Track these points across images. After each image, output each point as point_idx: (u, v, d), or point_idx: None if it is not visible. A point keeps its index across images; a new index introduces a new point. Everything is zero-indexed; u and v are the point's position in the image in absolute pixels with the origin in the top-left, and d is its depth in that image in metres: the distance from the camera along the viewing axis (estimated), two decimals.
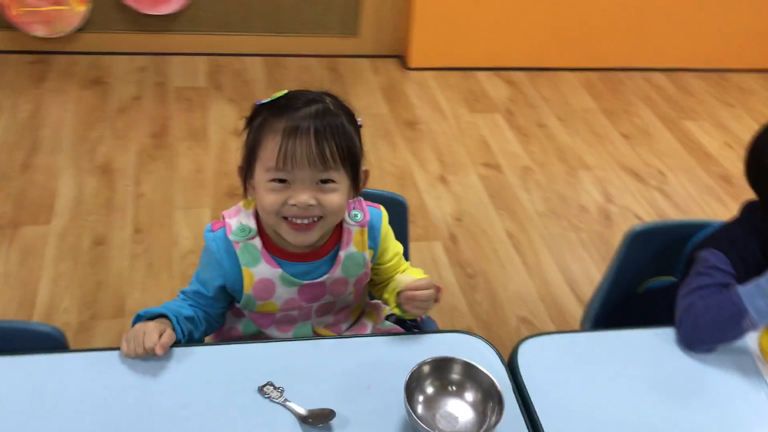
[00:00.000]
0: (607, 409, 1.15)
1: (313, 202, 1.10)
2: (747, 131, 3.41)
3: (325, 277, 1.21)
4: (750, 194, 1.43)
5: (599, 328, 1.67)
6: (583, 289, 2.38)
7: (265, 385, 1.10)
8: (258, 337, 1.31)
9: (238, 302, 1.24)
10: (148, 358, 1.10)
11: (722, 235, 1.40)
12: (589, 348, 1.27)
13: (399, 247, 1.33)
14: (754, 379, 1.24)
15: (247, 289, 1.20)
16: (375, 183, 2.64)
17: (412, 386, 1.07)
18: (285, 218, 1.13)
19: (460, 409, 1.08)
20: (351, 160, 1.13)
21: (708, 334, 1.26)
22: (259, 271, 1.19)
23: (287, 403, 1.07)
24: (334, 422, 1.04)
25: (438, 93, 3.41)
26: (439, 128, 3.14)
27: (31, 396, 1.05)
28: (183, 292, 1.27)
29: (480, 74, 3.61)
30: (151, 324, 1.12)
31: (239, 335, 1.33)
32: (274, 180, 1.10)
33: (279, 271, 1.19)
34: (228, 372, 1.12)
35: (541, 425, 1.09)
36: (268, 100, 1.13)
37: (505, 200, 2.74)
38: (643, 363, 1.25)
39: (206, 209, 2.49)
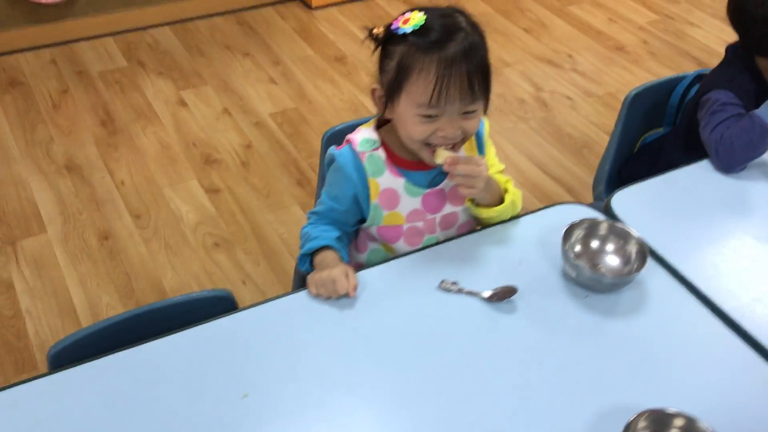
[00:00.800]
0: (697, 231, 1.42)
1: (459, 132, 1.22)
2: (620, 4, 3.81)
3: (444, 182, 1.36)
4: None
5: (612, 189, 1.95)
6: (550, 167, 2.66)
7: (441, 283, 1.25)
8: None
9: (365, 218, 1.35)
10: None
11: (720, 78, 1.68)
12: (652, 192, 1.53)
13: (500, 165, 1.43)
14: None
15: (374, 198, 1.31)
16: (333, 120, 2.75)
17: (566, 247, 1.26)
18: (427, 144, 1.24)
19: (608, 260, 1.30)
20: (489, 85, 1.23)
21: (743, 155, 1.54)
22: (384, 181, 1.30)
23: (467, 291, 1.24)
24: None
25: (350, 25, 3.50)
26: (366, 58, 3.25)
27: (264, 342, 1.15)
28: (315, 213, 1.36)
29: (379, 0, 3.73)
30: (336, 270, 1.21)
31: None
32: (426, 115, 1.19)
33: (402, 180, 1.31)
34: (402, 283, 1.26)
35: (662, 256, 1.33)
36: (410, 27, 1.16)
37: None
38: (700, 192, 1.52)
39: (192, 181, 2.50)
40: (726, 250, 1.39)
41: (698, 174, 1.57)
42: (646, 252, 1.25)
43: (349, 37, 3.41)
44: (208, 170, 2.55)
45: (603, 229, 1.31)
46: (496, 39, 3.44)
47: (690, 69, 3.29)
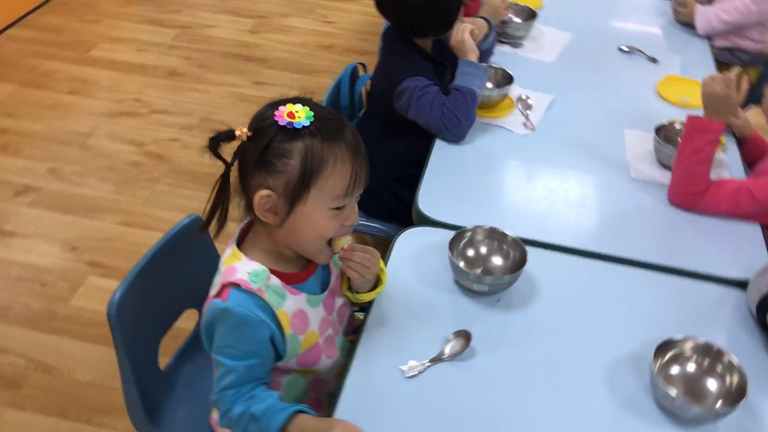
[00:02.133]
0: (498, 197, 1.61)
1: (357, 217, 1.15)
2: (134, 32, 3.69)
3: (333, 278, 1.25)
4: None
5: None
6: None
7: (404, 372, 1.18)
8: (305, 395, 1.28)
9: (282, 355, 1.18)
10: None
11: (401, 68, 1.82)
12: (434, 187, 1.63)
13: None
14: (496, 128, 1.83)
15: (288, 329, 1.15)
16: None
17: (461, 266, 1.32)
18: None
19: (494, 261, 1.39)
20: None
21: (467, 122, 1.75)
22: (290, 306, 1.15)
23: (430, 361, 1.19)
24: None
25: None
26: None
27: None
28: (229, 387, 1.13)
29: None
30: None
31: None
32: (337, 207, 1.09)
33: (303, 296, 1.18)
34: (376, 397, 1.15)
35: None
36: (306, 120, 1.04)
37: (73, 205, 2.56)
38: (462, 166, 1.70)
39: None
40: (535, 199, 1.61)
41: (446, 155, 1.73)
42: (519, 243, 1.37)
43: None
44: None
45: (479, 234, 1.39)
46: (54, 115, 3.03)
47: (244, 66, 3.46)
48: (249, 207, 1.13)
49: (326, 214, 1.10)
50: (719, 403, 1.13)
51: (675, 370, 1.18)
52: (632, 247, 1.48)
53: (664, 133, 1.75)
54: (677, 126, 1.76)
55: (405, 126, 1.83)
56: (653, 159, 1.73)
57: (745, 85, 1.52)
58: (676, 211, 1.58)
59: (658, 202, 1.61)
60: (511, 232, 1.39)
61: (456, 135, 1.76)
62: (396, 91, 1.80)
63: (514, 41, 2.23)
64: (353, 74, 2.07)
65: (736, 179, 1.59)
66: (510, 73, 1.92)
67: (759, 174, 1.57)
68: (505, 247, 1.38)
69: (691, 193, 1.55)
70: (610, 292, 1.38)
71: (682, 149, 1.58)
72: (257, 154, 1.06)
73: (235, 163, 1.10)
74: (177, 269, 1.46)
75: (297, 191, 1.07)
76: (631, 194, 1.63)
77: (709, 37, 2.36)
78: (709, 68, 2.19)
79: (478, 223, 1.41)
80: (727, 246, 1.49)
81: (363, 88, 2.09)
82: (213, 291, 1.14)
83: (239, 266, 1.13)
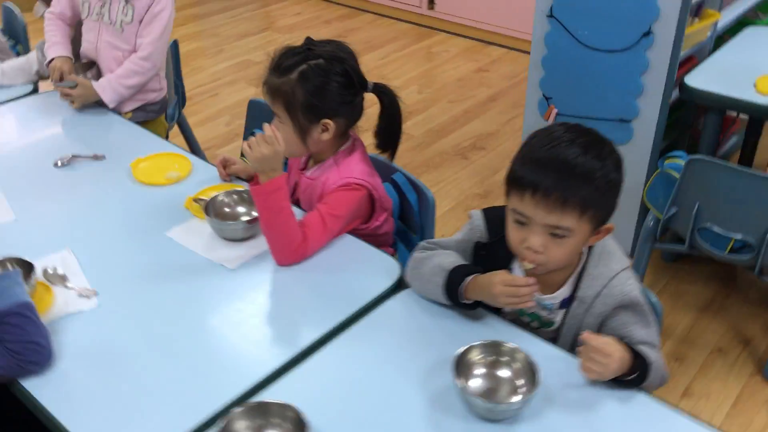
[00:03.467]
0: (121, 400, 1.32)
1: None
2: None
3: None
4: None
5: None
6: None
7: None
8: None
9: None
10: None
11: None
12: None
13: None
14: (64, 320, 1.45)
15: None
16: None
17: None
18: None
19: None
20: None
21: (46, 341, 1.33)
22: None
23: None
24: None
25: None
26: None
27: None
28: None
29: None
30: None
31: None
32: None
33: None
34: None
35: None
36: None
37: None
38: (74, 395, 1.32)
39: None
40: (182, 363, 1.38)
41: (52, 390, 1.29)
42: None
43: None
44: None
45: None
46: None
47: None
48: None
49: None
50: (522, 384, 1.24)
51: (475, 382, 1.25)
52: (309, 330, 1.43)
53: (211, 211, 1.68)
54: (217, 197, 1.72)
55: None
56: (225, 242, 1.66)
57: (277, 134, 1.55)
58: (297, 269, 1.58)
59: (268, 272, 1.57)
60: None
61: (43, 360, 1.34)
62: None
63: None
64: None
65: (312, 212, 1.65)
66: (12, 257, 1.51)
67: (321, 198, 1.67)
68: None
69: (296, 246, 1.57)
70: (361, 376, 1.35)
71: (264, 217, 1.56)
72: None
73: None
74: None
75: None
76: (248, 283, 1.56)
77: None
78: (122, 133, 2.15)
79: None
80: (356, 268, 1.59)
81: None
82: None
83: None
